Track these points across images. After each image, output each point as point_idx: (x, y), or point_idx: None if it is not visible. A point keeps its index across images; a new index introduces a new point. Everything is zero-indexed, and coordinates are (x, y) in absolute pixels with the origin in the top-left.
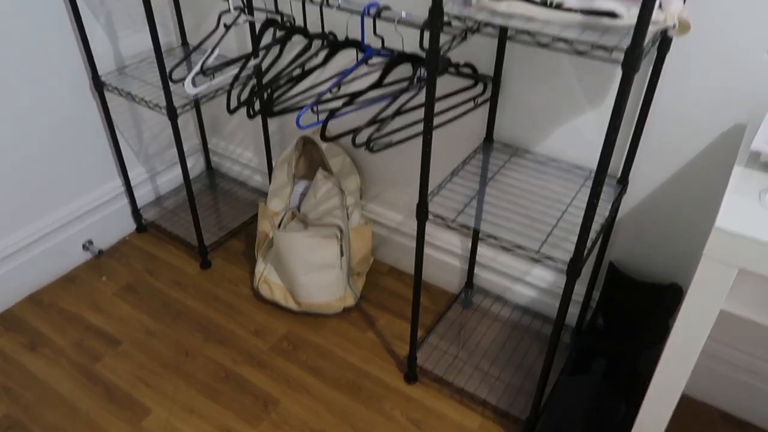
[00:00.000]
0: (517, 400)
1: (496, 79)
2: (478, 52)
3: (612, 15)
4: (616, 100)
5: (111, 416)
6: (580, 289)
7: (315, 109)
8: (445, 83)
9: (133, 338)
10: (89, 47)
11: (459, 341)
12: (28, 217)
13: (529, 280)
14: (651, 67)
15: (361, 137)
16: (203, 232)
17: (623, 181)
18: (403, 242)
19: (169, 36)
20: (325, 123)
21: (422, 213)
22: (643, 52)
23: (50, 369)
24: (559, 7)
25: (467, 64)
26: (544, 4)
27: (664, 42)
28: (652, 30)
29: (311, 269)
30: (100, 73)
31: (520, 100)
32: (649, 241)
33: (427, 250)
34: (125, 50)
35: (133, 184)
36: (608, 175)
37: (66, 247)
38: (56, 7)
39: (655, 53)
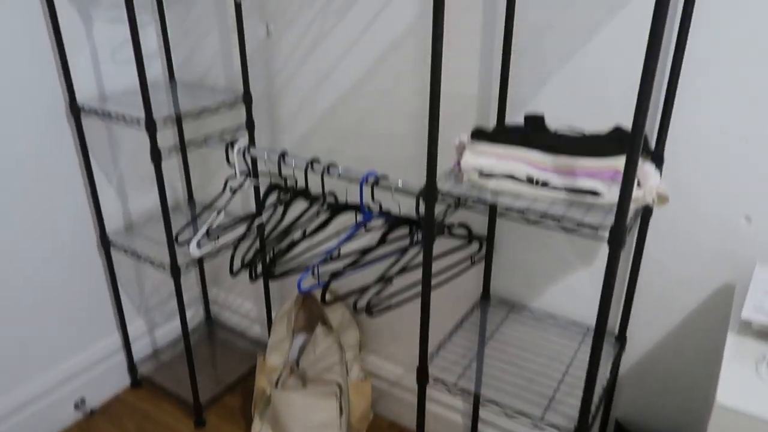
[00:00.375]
0: None
1: (490, 239)
2: (472, 213)
3: (594, 193)
4: (605, 274)
5: None
6: None
7: (315, 272)
8: (441, 242)
9: None
10: (99, 206)
11: None
12: (20, 376)
13: None
14: (637, 230)
15: (362, 302)
16: (199, 387)
17: (621, 339)
18: (403, 397)
19: (176, 193)
20: (325, 288)
21: (423, 377)
22: (627, 229)
23: None
24: (545, 185)
25: (462, 225)
26: (530, 182)
27: (647, 209)
28: (632, 207)
29: (310, 430)
30: (108, 231)
31: (513, 258)
32: (653, 397)
33: (428, 405)
34: (134, 208)
35: (131, 338)
36: (606, 332)
37: (57, 407)
38: (71, 169)
39: (639, 220)
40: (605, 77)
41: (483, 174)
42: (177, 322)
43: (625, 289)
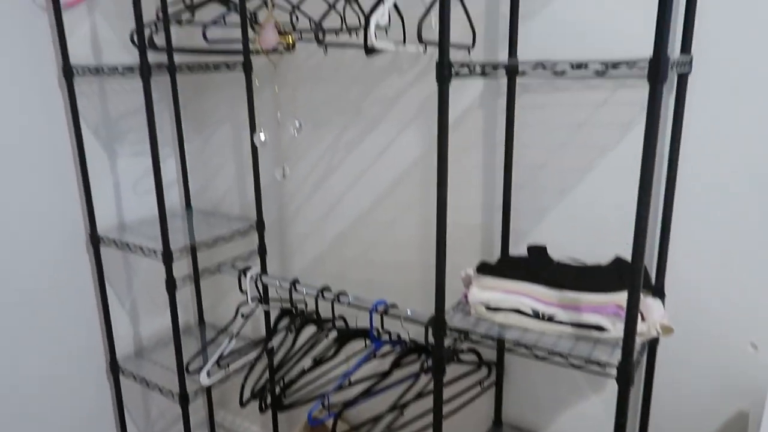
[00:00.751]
0: None
1: (500, 365)
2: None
3: (600, 328)
4: (616, 413)
5: None
6: None
7: (326, 403)
8: (451, 367)
9: None
10: (111, 331)
11: None
12: None
13: None
14: (645, 360)
15: None
16: None
17: None
18: None
19: (187, 315)
20: (336, 418)
21: None
22: (635, 366)
23: None
24: (551, 320)
25: (472, 350)
26: (536, 316)
27: (653, 340)
28: (638, 341)
29: None
30: (118, 356)
31: (524, 384)
32: None
33: None
34: (145, 332)
35: None
36: None
37: None
38: (86, 294)
39: (646, 351)
40: (601, 210)
41: (490, 308)
42: None
43: (638, 418)
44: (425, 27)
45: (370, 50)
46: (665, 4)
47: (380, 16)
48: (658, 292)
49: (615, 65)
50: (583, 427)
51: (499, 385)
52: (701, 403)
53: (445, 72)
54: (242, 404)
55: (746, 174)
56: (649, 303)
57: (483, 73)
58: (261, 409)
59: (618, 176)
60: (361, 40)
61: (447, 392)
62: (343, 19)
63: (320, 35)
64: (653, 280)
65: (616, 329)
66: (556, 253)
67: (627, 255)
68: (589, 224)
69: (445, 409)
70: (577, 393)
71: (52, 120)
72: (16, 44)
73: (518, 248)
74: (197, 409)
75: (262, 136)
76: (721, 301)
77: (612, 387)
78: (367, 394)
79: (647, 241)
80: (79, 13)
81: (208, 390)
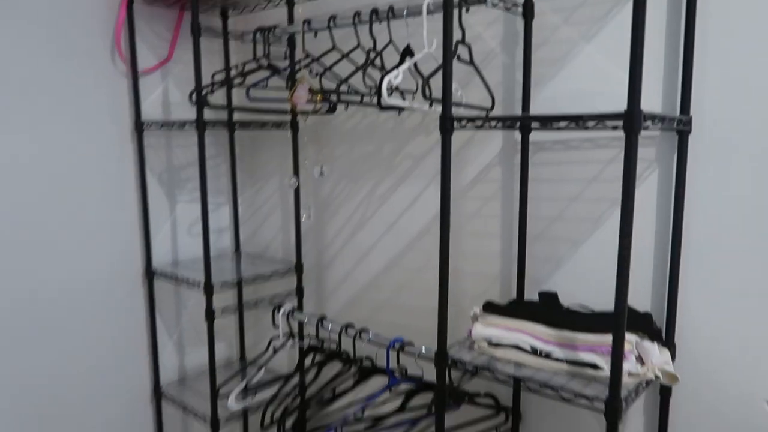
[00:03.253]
0: None
1: (516, 409)
2: (498, 385)
3: (594, 366)
4: None
5: None
6: None
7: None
8: (468, 411)
9: None
10: (157, 360)
11: None
12: None
13: None
14: (658, 411)
15: None
16: None
17: None
18: None
19: (231, 351)
20: None
21: None
22: (622, 404)
23: None
24: (548, 356)
25: (488, 394)
26: (534, 353)
27: (665, 390)
28: (632, 382)
29: None
30: (161, 383)
31: (540, 430)
32: None
33: None
34: (189, 362)
35: None
36: None
37: None
38: (137, 324)
39: (659, 405)
40: (612, 260)
41: (491, 343)
42: None
43: None
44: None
45: (383, 106)
46: (636, 62)
47: (394, 77)
48: (668, 342)
49: (594, 117)
50: None
51: (515, 431)
52: None
53: (447, 124)
54: (262, 428)
55: (757, 225)
56: (646, 347)
57: (481, 126)
58: None
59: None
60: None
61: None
62: (363, 79)
63: (339, 95)
64: (664, 331)
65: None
66: (569, 301)
67: (636, 304)
68: (601, 273)
69: None
70: None
71: (123, 167)
72: (100, 102)
73: (533, 296)
74: None
75: (293, 181)
76: (734, 357)
77: None
78: (375, 428)
79: (659, 291)
80: (154, 77)
81: (245, 419)
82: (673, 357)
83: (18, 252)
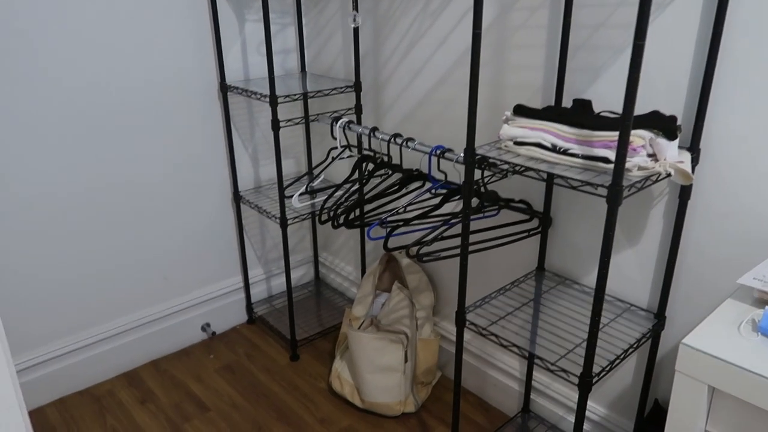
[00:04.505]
0: None
1: (546, 215)
2: (533, 191)
3: (606, 161)
4: (605, 228)
5: None
6: (627, 424)
7: (384, 225)
8: (505, 215)
9: (221, 408)
10: (235, 168)
11: None
12: (163, 297)
13: None
14: (675, 212)
15: (413, 250)
16: (298, 331)
17: (660, 317)
18: (469, 362)
19: (300, 166)
20: (387, 236)
21: (460, 321)
22: (622, 191)
23: (150, 421)
24: (565, 153)
25: (522, 201)
26: (554, 150)
27: (684, 192)
28: (640, 174)
29: (376, 369)
30: (240, 189)
31: (567, 235)
32: None
33: (488, 371)
34: (263, 174)
35: (250, 282)
36: (645, 309)
37: (188, 325)
38: (216, 135)
39: (676, 209)
40: (652, 70)
41: (517, 142)
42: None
43: (665, 267)
44: None
45: None
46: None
47: None
48: (693, 147)
49: None
50: (617, 280)
51: (543, 235)
52: (727, 258)
53: None
54: (320, 222)
55: None
56: (662, 144)
57: None
58: (333, 227)
59: (666, 37)
60: None
61: (494, 233)
62: None
63: None
64: (690, 136)
65: None
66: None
67: (667, 110)
68: (639, 85)
69: (487, 244)
70: (615, 248)
71: None
72: None
73: (570, 105)
74: (305, 248)
75: (356, 20)
76: (758, 168)
77: (647, 242)
78: (416, 221)
79: (691, 95)
80: None
81: (314, 232)
82: (696, 161)
83: (110, 57)
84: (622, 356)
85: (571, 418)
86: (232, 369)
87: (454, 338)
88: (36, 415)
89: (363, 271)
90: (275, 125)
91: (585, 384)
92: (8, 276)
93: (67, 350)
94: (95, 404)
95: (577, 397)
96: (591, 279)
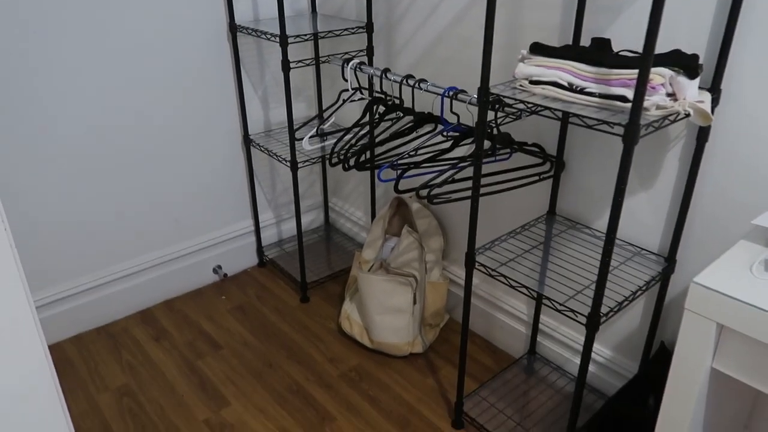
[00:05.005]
0: None
1: (559, 159)
2: (546, 134)
3: (623, 99)
4: (620, 168)
5: (199, 401)
6: (632, 365)
7: (395, 167)
8: (517, 159)
9: (232, 346)
10: (245, 111)
11: (509, 399)
12: (176, 239)
13: None
14: (693, 153)
15: (423, 191)
16: (308, 274)
17: (671, 260)
18: (477, 305)
19: (311, 110)
20: (398, 179)
21: (470, 261)
22: (639, 130)
23: (165, 357)
24: (581, 91)
25: (535, 144)
26: (570, 89)
27: (702, 133)
28: (658, 113)
29: (385, 311)
30: (250, 133)
31: (580, 179)
32: None
33: (495, 314)
34: (273, 118)
35: (261, 225)
36: (656, 253)
37: (200, 267)
38: (225, 78)
39: (693, 151)
40: (675, 7)
41: (532, 81)
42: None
43: (678, 211)
44: None
45: None
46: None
47: None
48: (714, 87)
49: None
50: (629, 224)
51: (556, 179)
52: (744, 201)
53: None
54: (331, 164)
55: None
56: (682, 82)
57: None
58: (344, 169)
59: None
60: None
61: (506, 176)
62: None
63: None
64: (712, 77)
65: None
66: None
67: (689, 48)
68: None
69: (499, 186)
70: (628, 192)
71: None
72: None
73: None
74: (315, 193)
75: None
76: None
77: (661, 186)
78: (426, 163)
79: (711, 35)
80: None
81: (324, 177)
82: (716, 102)
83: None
84: (630, 298)
85: (577, 360)
86: (243, 309)
87: (462, 282)
88: (55, 350)
89: (373, 217)
90: (285, 66)
91: (593, 324)
92: (28, 217)
93: (83, 288)
94: (111, 340)
95: (583, 339)
96: (602, 223)
